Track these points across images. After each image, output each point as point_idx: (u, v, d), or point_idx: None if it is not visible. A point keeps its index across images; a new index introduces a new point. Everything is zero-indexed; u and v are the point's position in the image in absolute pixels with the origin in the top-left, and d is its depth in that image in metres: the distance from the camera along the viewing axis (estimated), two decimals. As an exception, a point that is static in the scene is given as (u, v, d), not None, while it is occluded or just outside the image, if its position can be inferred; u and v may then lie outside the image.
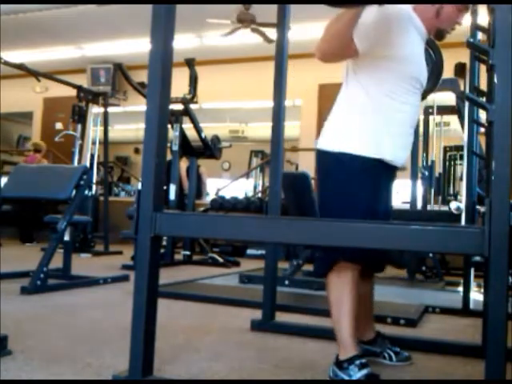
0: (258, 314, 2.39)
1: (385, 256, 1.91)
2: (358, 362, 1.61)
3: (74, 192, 3.36)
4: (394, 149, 1.69)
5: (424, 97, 1.89)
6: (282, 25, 2.34)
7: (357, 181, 1.66)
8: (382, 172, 1.70)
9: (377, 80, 1.67)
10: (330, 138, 1.72)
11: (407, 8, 1.69)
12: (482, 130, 2.67)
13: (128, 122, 10.25)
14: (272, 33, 5.72)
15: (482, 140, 2.28)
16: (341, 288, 1.66)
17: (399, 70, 1.66)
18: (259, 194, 9.00)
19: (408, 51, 1.67)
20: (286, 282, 3.69)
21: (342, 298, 1.65)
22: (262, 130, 9.81)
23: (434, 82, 2.46)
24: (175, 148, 5.33)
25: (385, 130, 1.67)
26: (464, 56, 2.95)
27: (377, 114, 1.67)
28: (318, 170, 1.79)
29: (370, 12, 1.54)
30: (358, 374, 1.59)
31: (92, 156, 6.34)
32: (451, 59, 4.11)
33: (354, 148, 1.65)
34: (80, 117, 5.89)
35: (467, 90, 2.69)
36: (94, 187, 6.37)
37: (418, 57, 1.74)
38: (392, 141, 1.68)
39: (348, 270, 1.65)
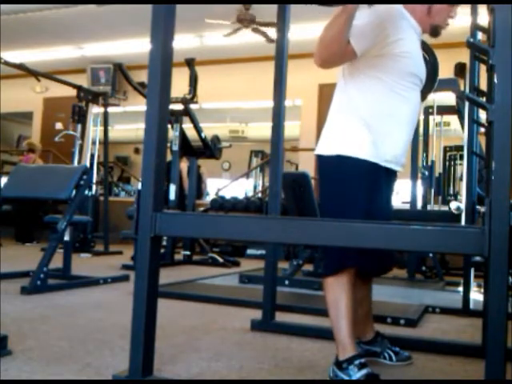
0: (258, 314, 2.39)
1: (391, 262, 1.90)
2: (357, 361, 1.61)
3: (73, 192, 3.36)
4: (394, 149, 1.69)
5: (423, 98, 1.90)
6: (282, 25, 2.34)
7: (353, 183, 1.66)
8: (379, 175, 1.70)
9: (374, 80, 1.67)
10: (328, 142, 1.72)
11: (399, 7, 1.70)
12: (482, 129, 2.67)
13: (128, 122, 10.25)
14: (273, 32, 5.73)
15: (482, 140, 2.28)
16: (338, 289, 1.66)
17: (397, 67, 1.66)
18: (259, 194, 9.00)
19: (405, 48, 1.67)
20: (286, 282, 3.69)
21: (339, 299, 1.66)
22: (262, 130, 9.81)
23: (431, 83, 2.46)
24: (175, 148, 5.33)
25: (383, 130, 1.66)
26: (464, 56, 2.96)
27: (375, 114, 1.66)
28: (318, 173, 1.80)
29: (363, 13, 1.55)
30: (357, 374, 1.59)
31: (92, 156, 6.33)
32: (451, 59, 4.11)
33: (353, 151, 1.65)
34: (80, 117, 5.88)
35: (467, 90, 2.69)
36: (93, 187, 6.36)
37: (416, 53, 1.74)
38: (392, 141, 1.68)
39: (345, 272, 1.66)
